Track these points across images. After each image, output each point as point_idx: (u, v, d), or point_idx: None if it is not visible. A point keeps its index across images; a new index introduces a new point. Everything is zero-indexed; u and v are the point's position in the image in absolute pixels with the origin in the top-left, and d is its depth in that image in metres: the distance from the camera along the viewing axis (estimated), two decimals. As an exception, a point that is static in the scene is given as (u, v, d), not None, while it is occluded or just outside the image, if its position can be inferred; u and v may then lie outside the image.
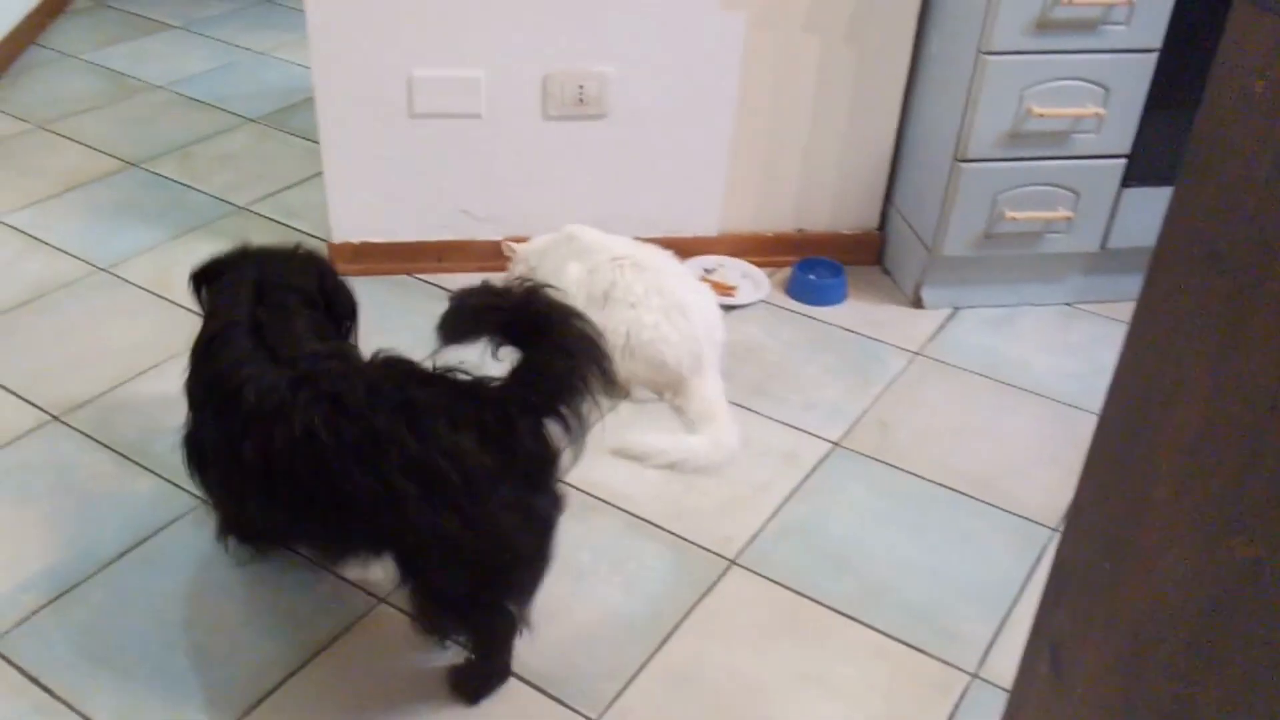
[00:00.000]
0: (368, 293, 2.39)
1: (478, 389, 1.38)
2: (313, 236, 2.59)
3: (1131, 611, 0.94)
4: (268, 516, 1.52)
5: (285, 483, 1.39)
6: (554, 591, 1.69)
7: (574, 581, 1.73)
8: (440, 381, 1.40)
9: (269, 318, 1.51)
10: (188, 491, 1.85)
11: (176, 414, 2.00)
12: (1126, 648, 0.95)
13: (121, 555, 1.74)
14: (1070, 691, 1.05)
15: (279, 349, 1.46)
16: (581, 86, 2.34)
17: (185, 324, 2.28)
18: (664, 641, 1.64)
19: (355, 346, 1.69)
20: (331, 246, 2.46)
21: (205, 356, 1.54)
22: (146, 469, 1.91)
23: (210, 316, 1.60)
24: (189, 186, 2.82)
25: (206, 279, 1.67)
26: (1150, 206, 2.32)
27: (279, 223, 2.67)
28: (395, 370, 1.43)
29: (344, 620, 1.64)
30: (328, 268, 1.73)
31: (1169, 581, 0.88)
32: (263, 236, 2.59)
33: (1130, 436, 0.92)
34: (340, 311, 1.71)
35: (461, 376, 1.40)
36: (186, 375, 1.59)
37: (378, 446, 1.32)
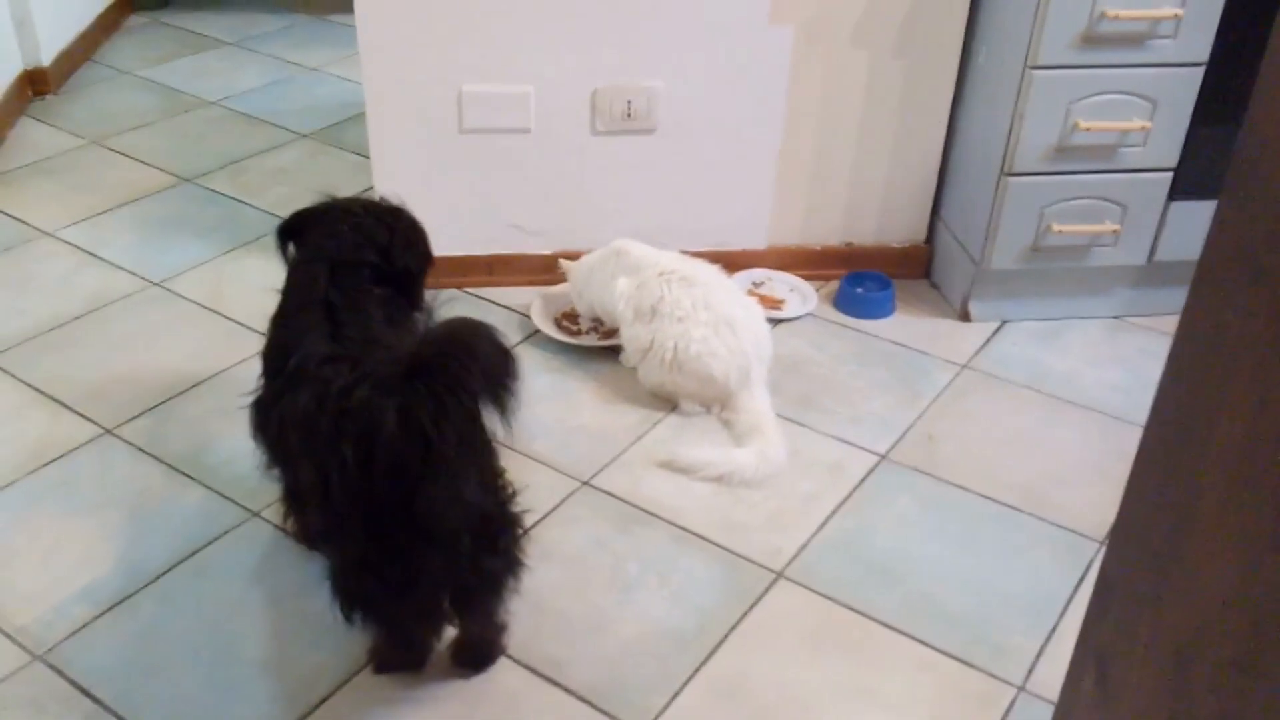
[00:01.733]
0: (417, 306, 2.44)
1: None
2: (363, 251, 2.64)
3: (1176, 626, 0.93)
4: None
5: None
6: (600, 603, 1.71)
7: (621, 593, 1.74)
8: None
9: (342, 300, 1.58)
10: (237, 504, 1.89)
11: (228, 428, 2.06)
12: (1171, 662, 0.94)
13: (172, 567, 1.77)
14: (1115, 706, 1.04)
15: (347, 338, 1.53)
16: (630, 101, 2.36)
17: (237, 338, 2.33)
18: (710, 654, 1.64)
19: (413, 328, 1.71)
20: (381, 260, 2.49)
21: (280, 331, 1.64)
22: (197, 481, 1.94)
23: (287, 290, 1.68)
24: (242, 201, 2.87)
25: (292, 234, 1.75)
26: (1197, 220, 2.30)
27: (330, 237, 2.71)
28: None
29: (393, 629, 1.66)
30: (401, 225, 1.75)
31: (1214, 596, 0.87)
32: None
33: (1174, 451, 0.92)
34: (413, 269, 1.75)
35: None
36: (265, 343, 1.68)
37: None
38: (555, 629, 1.67)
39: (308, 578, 1.74)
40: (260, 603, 1.71)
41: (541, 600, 1.71)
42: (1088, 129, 2.16)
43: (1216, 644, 0.88)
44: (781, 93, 2.38)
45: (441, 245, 2.45)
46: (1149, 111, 2.18)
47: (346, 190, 2.90)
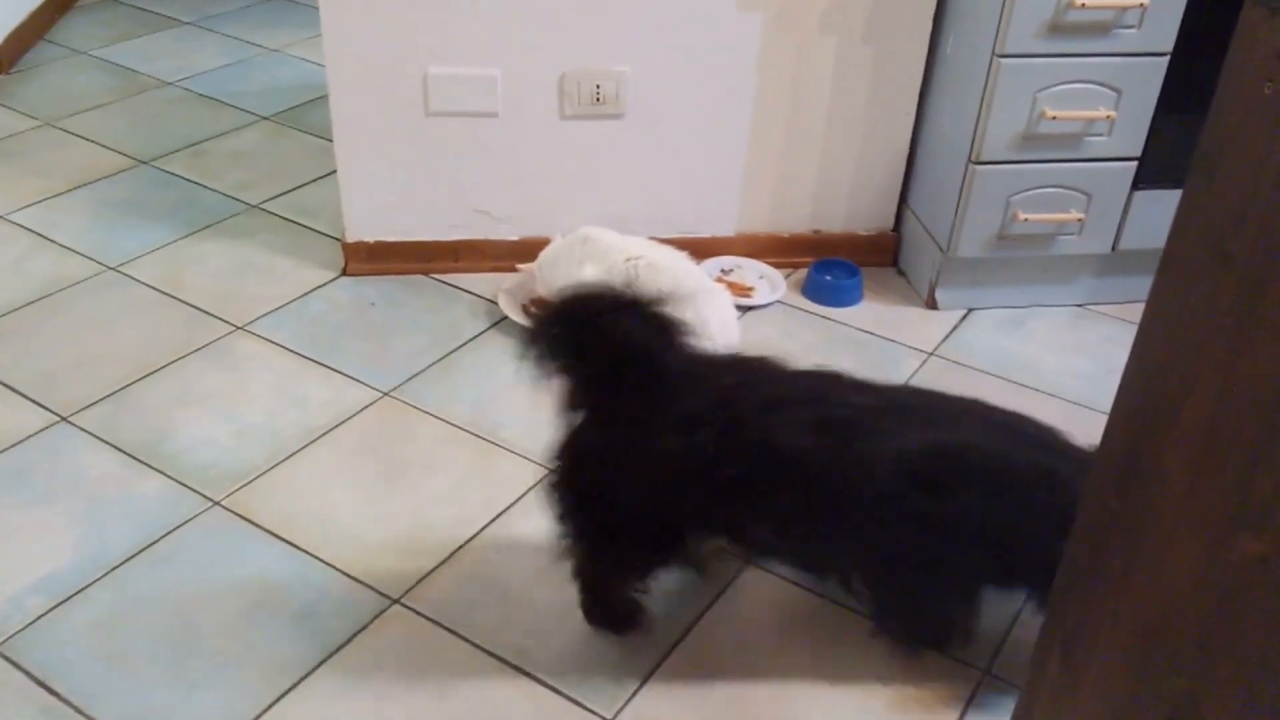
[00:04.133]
0: (383, 293, 2.42)
1: None
2: (327, 236, 2.60)
3: (1141, 608, 0.95)
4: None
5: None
6: (568, 591, 1.69)
7: (587, 580, 1.73)
8: None
9: None
10: (198, 493, 1.86)
11: (187, 415, 2.03)
12: (1136, 643, 0.96)
13: (130, 557, 1.74)
14: (1081, 687, 1.05)
15: None
16: (598, 86, 2.34)
17: (195, 324, 2.29)
18: (679, 640, 1.64)
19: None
20: (346, 246, 2.46)
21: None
22: (155, 470, 1.91)
23: None
24: (200, 184, 2.82)
25: None
26: (1160, 209, 2.32)
27: (293, 221, 2.67)
28: None
29: (358, 621, 1.64)
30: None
31: (1178, 578, 0.89)
32: (275, 235, 2.62)
33: (1140, 434, 0.93)
34: None
35: None
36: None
37: None
38: (522, 618, 1.66)
39: (270, 568, 1.72)
40: (221, 593, 1.68)
41: (508, 589, 1.70)
42: (1054, 118, 2.17)
43: (1181, 625, 0.89)
44: (750, 79, 2.37)
45: (406, 230, 2.46)
46: (1114, 101, 2.19)
47: (309, 172, 2.87)
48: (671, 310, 1.40)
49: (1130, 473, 0.95)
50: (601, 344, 1.39)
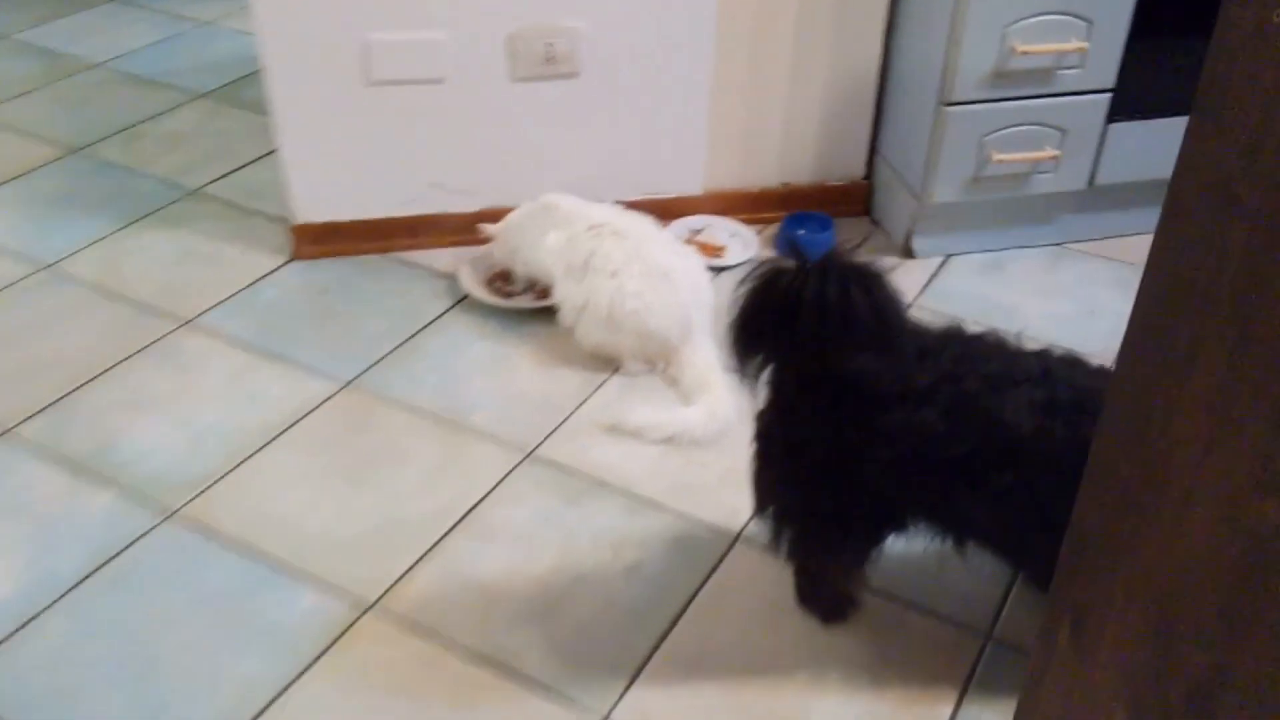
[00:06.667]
0: (337, 276, 2.35)
1: None
2: (274, 218, 2.52)
3: (1156, 578, 0.92)
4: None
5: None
6: (552, 582, 1.66)
7: (573, 571, 1.69)
8: None
9: None
10: (151, 504, 1.79)
11: (137, 420, 1.96)
12: (1153, 616, 0.93)
13: (84, 579, 1.67)
14: (1094, 661, 1.03)
15: None
16: (550, 44, 2.26)
17: (140, 321, 2.21)
18: (671, 625, 1.60)
19: None
20: (294, 228, 2.38)
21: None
22: (107, 480, 1.84)
23: None
24: (136, 171, 2.74)
25: None
26: (1136, 141, 2.30)
27: (236, 205, 2.60)
28: None
29: (329, 633, 1.59)
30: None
31: (1195, 546, 0.86)
32: (219, 221, 2.54)
33: (1148, 394, 0.89)
34: None
35: None
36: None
37: None
38: (506, 614, 1.62)
39: (234, 581, 1.67)
40: (183, 612, 1.62)
41: (489, 585, 1.66)
42: (1025, 52, 2.13)
43: (1200, 595, 0.86)
44: (710, 28, 2.31)
45: (358, 208, 2.39)
46: (1085, 31, 2.15)
47: (252, 151, 2.79)
48: (887, 280, 1.36)
49: (1139, 437, 0.92)
50: (819, 316, 1.34)
